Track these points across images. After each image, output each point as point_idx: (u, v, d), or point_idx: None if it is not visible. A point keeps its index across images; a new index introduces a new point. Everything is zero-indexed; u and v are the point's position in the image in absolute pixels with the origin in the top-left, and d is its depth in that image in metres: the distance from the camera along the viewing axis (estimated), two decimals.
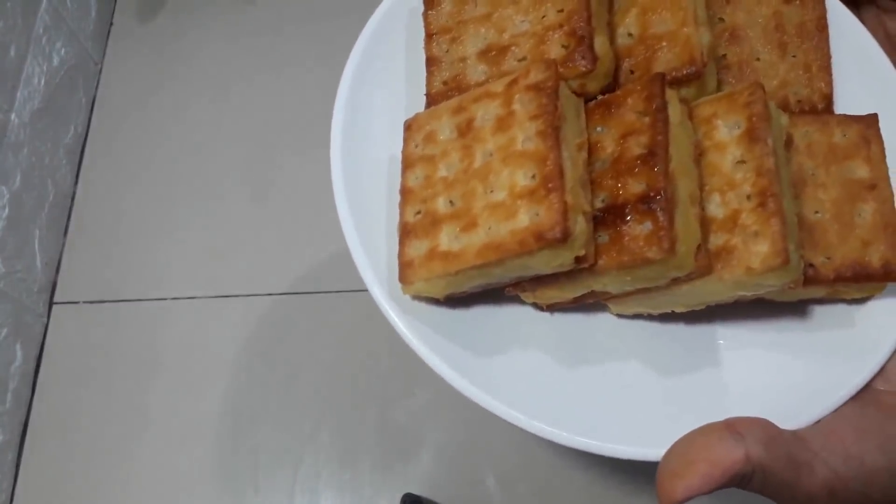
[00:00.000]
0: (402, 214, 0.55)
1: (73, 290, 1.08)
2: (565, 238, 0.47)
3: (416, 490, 1.11)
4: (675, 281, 0.51)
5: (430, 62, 0.59)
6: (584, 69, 0.52)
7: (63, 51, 1.11)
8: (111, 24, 1.25)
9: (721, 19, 0.62)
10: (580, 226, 0.48)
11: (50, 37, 1.07)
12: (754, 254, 0.49)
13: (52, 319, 1.05)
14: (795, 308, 0.57)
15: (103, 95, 1.20)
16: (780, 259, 0.48)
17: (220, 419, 0.98)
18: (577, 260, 0.49)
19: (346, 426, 1.10)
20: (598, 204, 0.51)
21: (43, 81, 1.05)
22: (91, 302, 1.07)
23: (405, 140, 0.57)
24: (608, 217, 0.51)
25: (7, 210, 0.97)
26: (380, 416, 1.09)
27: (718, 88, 0.59)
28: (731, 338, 0.56)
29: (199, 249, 1.08)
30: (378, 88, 0.62)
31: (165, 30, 1.26)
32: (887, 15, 0.69)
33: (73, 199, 1.14)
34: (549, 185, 0.48)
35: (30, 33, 1.02)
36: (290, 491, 0.94)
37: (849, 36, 0.63)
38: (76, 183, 1.15)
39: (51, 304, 1.06)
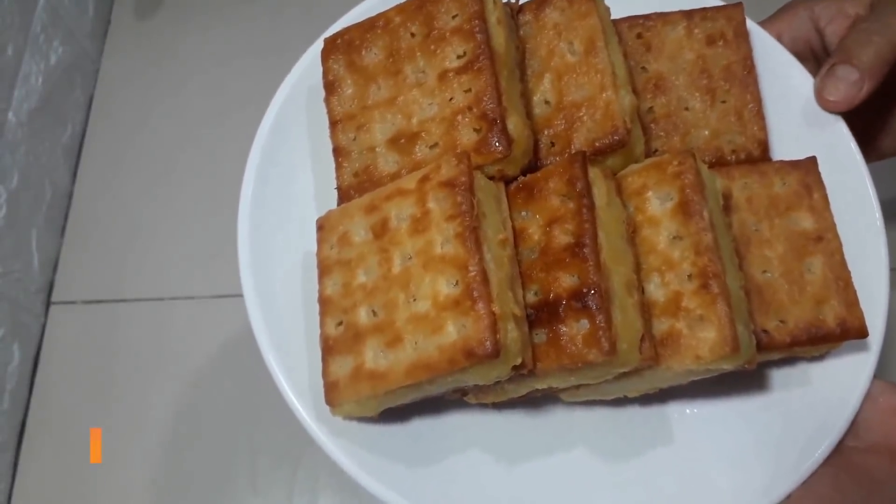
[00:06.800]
0: (322, 326, 0.50)
1: (71, 290, 1.04)
2: (497, 353, 0.43)
3: None
4: (623, 374, 0.47)
5: (338, 153, 0.54)
6: (499, 155, 0.48)
7: (60, 49, 1.08)
8: (109, 22, 1.23)
9: (644, 68, 0.58)
10: (512, 334, 0.44)
11: (47, 35, 1.05)
12: (702, 341, 0.45)
13: (49, 319, 1.02)
14: (752, 374, 0.53)
15: (101, 94, 1.17)
16: (730, 347, 0.44)
17: (218, 419, 0.94)
18: (515, 368, 0.45)
19: None
20: (531, 298, 0.47)
21: (40, 80, 1.03)
22: (89, 302, 1.03)
23: (319, 241, 0.52)
24: (543, 314, 0.47)
25: (4, 209, 0.94)
26: None
27: (647, 146, 0.55)
28: (688, 415, 0.53)
29: (198, 249, 1.04)
30: (285, 179, 0.58)
31: (164, 28, 1.23)
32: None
33: (70, 198, 1.10)
34: (474, 294, 0.44)
35: (27, 32, 1.00)
36: (289, 491, 0.90)
37: (778, 71, 0.60)
38: (74, 182, 1.11)
39: (48, 303, 1.03)
